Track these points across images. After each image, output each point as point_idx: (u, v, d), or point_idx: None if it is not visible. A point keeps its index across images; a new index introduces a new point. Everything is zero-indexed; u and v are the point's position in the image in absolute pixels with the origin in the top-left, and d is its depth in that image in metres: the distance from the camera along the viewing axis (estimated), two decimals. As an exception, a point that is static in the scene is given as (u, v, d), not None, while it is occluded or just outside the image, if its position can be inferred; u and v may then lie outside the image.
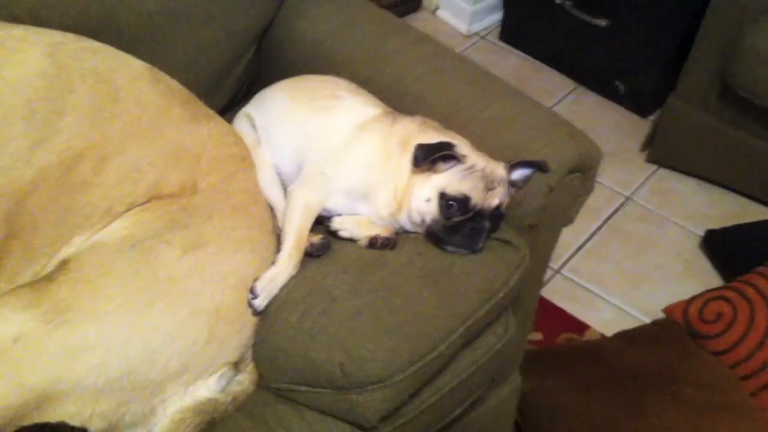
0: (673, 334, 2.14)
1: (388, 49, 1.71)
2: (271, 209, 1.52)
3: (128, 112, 1.41)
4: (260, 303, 1.37)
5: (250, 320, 1.39)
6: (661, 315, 2.42)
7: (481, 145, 1.51)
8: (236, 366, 1.39)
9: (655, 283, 2.59)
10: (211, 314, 1.34)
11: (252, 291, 1.37)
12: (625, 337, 2.17)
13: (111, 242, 1.32)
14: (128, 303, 1.28)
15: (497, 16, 3.53)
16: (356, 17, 1.77)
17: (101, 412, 1.23)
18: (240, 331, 1.38)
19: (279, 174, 1.56)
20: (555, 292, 2.53)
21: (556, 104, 3.23)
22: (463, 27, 3.51)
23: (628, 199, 2.88)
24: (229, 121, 1.63)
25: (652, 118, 3.19)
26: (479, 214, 1.42)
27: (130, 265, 1.31)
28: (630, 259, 2.67)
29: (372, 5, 1.82)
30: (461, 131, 1.54)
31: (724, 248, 2.59)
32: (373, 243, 1.45)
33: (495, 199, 1.43)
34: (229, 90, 1.83)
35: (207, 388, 1.32)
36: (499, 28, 3.52)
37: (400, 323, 1.31)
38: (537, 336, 2.35)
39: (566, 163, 1.49)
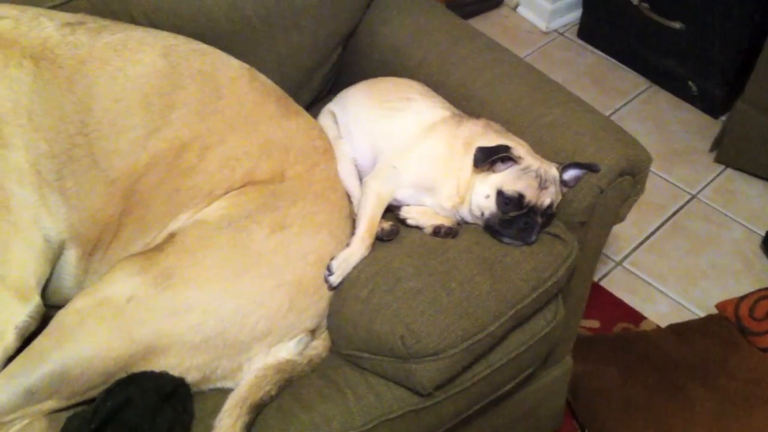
0: (722, 328, 2.25)
1: (458, 55, 1.87)
2: (349, 197, 1.71)
3: (229, 108, 1.62)
4: (335, 279, 1.57)
5: (326, 294, 1.58)
6: (714, 310, 2.54)
7: (538, 147, 1.67)
8: (312, 333, 1.59)
9: (713, 280, 2.68)
10: (293, 286, 1.54)
11: (328, 268, 1.57)
12: (675, 329, 2.29)
13: (211, 219, 1.53)
14: (224, 272, 1.48)
15: (576, 14, 3.64)
16: (432, 25, 1.94)
17: (197, 365, 1.45)
18: (317, 303, 1.58)
19: (357, 166, 1.75)
20: (615, 283, 2.66)
21: (629, 102, 3.32)
22: (542, 24, 3.63)
23: (693, 197, 2.96)
24: (315, 115, 1.84)
25: (723, 118, 3.26)
26: (533, 210, 1.58)
27: (226, 240, 1.51)
28: (690, 255, 2.76)
29: (448, 13, 1.98)
30: (521, 134, 1.70)
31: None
32: (437, 231, 1.63)
33: (547, 197, 1.59)
34: (315, 87, 2.03)
35: (287, 351, 1.52)
36: (577, 26, 3.62)
37: (455, 304, 1.48)
38: (595, 324, 2.48)
39: (616, 166, 1.63)
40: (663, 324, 2.47)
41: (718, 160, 3.07)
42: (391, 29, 1.96)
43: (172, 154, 1.55)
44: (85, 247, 1.52)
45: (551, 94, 1.77)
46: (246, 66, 1.71)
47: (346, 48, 2.04)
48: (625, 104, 3.31)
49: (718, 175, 3.04)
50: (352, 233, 1.62)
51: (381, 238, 1.62)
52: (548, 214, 1.61)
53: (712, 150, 3.12)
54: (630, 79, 3.43)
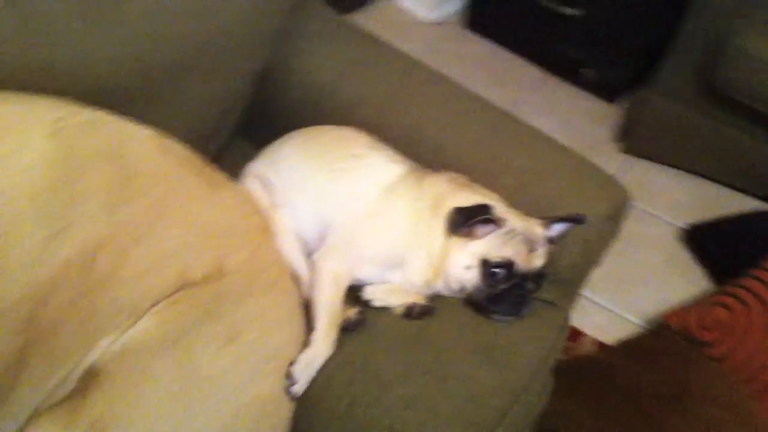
0: (676, 344, 2.15)
1: (400, 92, 1.62)
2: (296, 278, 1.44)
3: (144, 194, 1.30)
4: (299, 389, 1.30)
5: (289, 407, 1.32)
6: (651, 315, 2.45)
7: (512, 198, 1.46)
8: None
9: (641, 282, 2.59)
10: (254, 408, 1.26)
11: (289, 377, 1.30)
12: (629, 349, 2.18)
13: (143, 345, 1.23)
14: (169, 413, 1.19)
15: (459, 3, 3.45)
16: (360, 55, 1.67)
17: None
18: (282, 421, 1.31)
19: (299, 239, 1.47)
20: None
21: (525, 93, 3.18)
22: (425, 14, 3.42)
23: (606, 192, 2.86)
24: (234, 175, 1.54)
25: (618, 104, 3.19)
26: (523, 278, 1.37)
27: (166, 369, 1.22)
28: (614, 258, 2.64)
29: (376, 41, 1.72)
30: (490, 185, 1.48)
31: (708, 244, 2.61)
32: (410, 312, 1.39)
33: (538, 261, 1.38)
34: (223, 139, 1.72)
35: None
36: (462, 16, 3.44)
37: (457, 409, 1.26)
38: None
39: (601, 214, 1.46)
40: (603, 338, 2.35)
41: (626, 150, 2.99)
42: (310, 63, 1.68)
43: (81, 264, 1.22)
44: (-20, 397, 1.18)
45: (514, 133, 1.56)
46: (151, 131, 1.38)
47: (257, 87, 1.74)
48: (521, 96, 3.17)
49: (626, 166, 2.95)
50: (309, 324, 1.35)
51: (347, 328, 1.36)
52: (539, 278, 1.40)
53: (616, 139, 3.05)
54: (524, 69, 3.30)
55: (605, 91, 3.16)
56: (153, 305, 1.26)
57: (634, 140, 2.91)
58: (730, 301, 2.16)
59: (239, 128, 1.78)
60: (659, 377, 2.05)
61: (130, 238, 1.26)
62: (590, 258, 1.51)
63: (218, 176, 1.45)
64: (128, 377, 1.19)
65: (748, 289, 2.18)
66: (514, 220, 1.39)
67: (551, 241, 1.43)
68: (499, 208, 1.39)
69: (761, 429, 1.93)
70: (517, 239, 1.36)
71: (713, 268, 2.58)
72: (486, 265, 1.36)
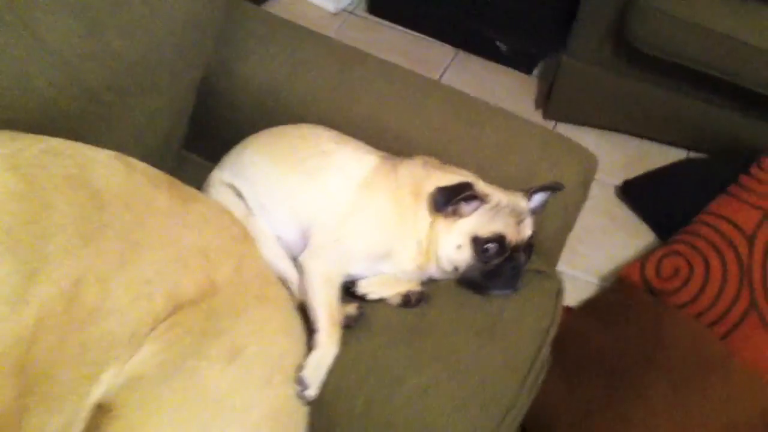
0: (637, 297, 2.20)
1: (352, 84, 1.59)
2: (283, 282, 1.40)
3: (117, 218, 1.23)
4: (312, 393, 1.27)
5: (304, 414, 1.28)
6: (606, 273, 2.50)
7: (485, 175, 1.46)
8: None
9: (590, 243, 2.64)
10: (268, 422, 1.23)
11: (300, 382, 1.26)
12: (592, 310, 2.21)
13: (148, 374, 1.17)
14: (187, 438, 1.14)
15: (361, -10, 3.43)
16: (305, 52, 1.63)
17: None
18: (297, 429, 1.27)
19: (281, 243, 1.43)
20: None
21: (442, 74, 3.19)
22: (329, 5, 3.37)
23: (538, 160, 2.90)
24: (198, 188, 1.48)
25: (536, 73, 3.23)
26: (514, 250, 1.37)
27: (176, 396, 1.17)
28: (559, 222, 2.70)
29: (319, 35, 1.68)
30: (460, 164, 1.47)
31: (644, 198, 2.68)
32: (407, 301, 1.37)
33: (527, 231, 1.38)
34: (176, 149, 1.65)
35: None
36: (366, 3, 3.42)
37: (473, 392, 1.25)
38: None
39: (576, 180, 1.47)
40: (566, 302, 2.38)
41: (547, 116, 3.03)
42: (256, 65, 1.63)
43: (64, 300, 1.14)
44: (-20, 456, 1.09)
45: (474, 111, 1.55)
46: (113, 153, 1.31)
47: (200, 96, 1.67)
48: (439, 76, 3.17)
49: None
50: (308, 326, 1.32)
51: (348, 326, 1.33)
52: (528, 249, 1.40)
53: (537, 108, 3.09)
54: (436, 50, 3.29)
55: (522, 62, 3.20)
56: (149, 331, 1.20)
57: (556, 106, 2.96)
58: (683, 248, 2.22)
59: (186, 142, 1.72)
60: (628, 332, 2.08)
61: (110, 267, 1.19)
62: (568, 224, 1.52)
63: (188, 190, 1.39)
64: (140, 408, 1.14)
65: (698, 235, 2.24)
66: (497, 194, 1.38)
67: (533, 212, 1.43)
68: (480, 185, 1.38)
69: (734, 367, 1.98)
70: (504, 212, 1.36)
71: (653, 219, 2.66)
72: (477, 241, 1.35)
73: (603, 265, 2.55)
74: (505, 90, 3.15)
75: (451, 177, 1.39)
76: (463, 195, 1.33)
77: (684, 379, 1.95)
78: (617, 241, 2.62)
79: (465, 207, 1.35)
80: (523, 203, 1.40)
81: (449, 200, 1.33)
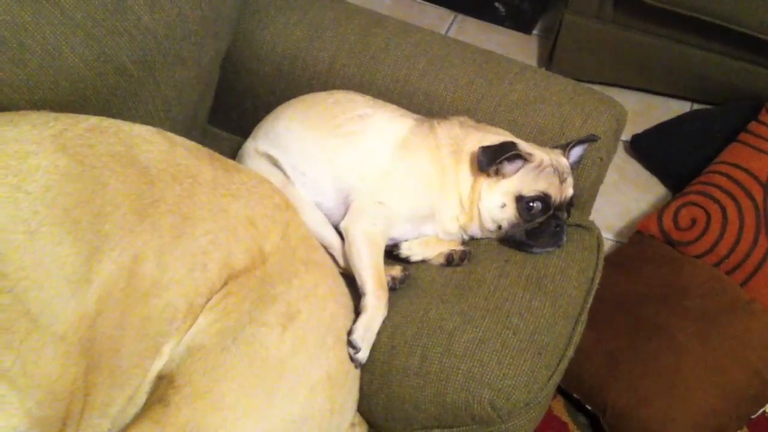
0: (656, 249, 2.21)
1: (376, 47, 1.58)
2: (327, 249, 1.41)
3: (168, 192, 1.23)
4: (364, 355, 1.29)
5: (356, 375, 1.31)
6: (621, 228, 2.52)
7: (517, 131, 1.46)
8: (353, 426, 1.31)
9: (600, 198, 2.61)
10: (325, 383, 1.25)
11: (352, 345, 1.28)
12: (613, 262, 2.21)
13: (209, 342, 1.18)
14: (252, 404, 1.16)
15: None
16: (325, 17, 1.62)
17: None
18: (351, 391, 1.30)
19: (321, 210, 1.43)
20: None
21: (442, 38, 3.17)
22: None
23: (543, 119, 2.90)
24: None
25: (536, 33, 3.22)
26: (557, 208, 1.38)
27: (238, 361, 1.18)
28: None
29: (336, 0, 1.66)
30: (492, 121, 1.47)
31: (653, 151, 2.69)
32: (450, 260, 1.38)
33: (569, 189, 1.39)
34: (201, 123, 1.65)
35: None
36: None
37: (527, 341, 1.26)
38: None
39: (608, 131, 1.47)
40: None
41: (552, 74, 3.02)
42: (276, 33, 1.62)
43: (124, 276, 1.15)
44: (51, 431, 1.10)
45: (500, 68, 1.55)
46: (152, 128, 1.31)
47: (223, 66, 1.66)
48: (439, 41, 3.16)
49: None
50: (355, 290, 1.32)
51: (393, 288, 1.34)
52: (569, 207, 1.41)
53: (540, 65, 3.08)
54: (435, 14, 3.28)
55: (521, 22, 3.19)
56: (205, 302, 1.21)
57: (557, 64, 2.95)
58: (699, 198, 2.24)
59: (209, 116, 1.71)
60: (648, 283, 2.10)
61: (166, 241, 1.20)
62: (601, 176, 1.53)
63: (228, 161, 1.39)
64: (205, 376, 1.16)
65: (713, 185, 2.25)
66: (539, 153, 1.38)
67: (572, 167, 1.44)
68: (522, 144, 1.39)
69: (755, 309, 2.01)
70: (547, 171, 1.37)
71: (663, 173, 2.67)
72: (521, 200, 1.36)
73: (616, 220, 2.57)
74: (507, 51, 3.12)
75: (491, 137, 1.39)
76: (507, 154, 1.34)
77: (708, 322, 1.97)
78: (631, 197, 2.64)
79: (508, 166, 1.36)
80: (564, 161, 1.41)
81: (494, 160, 1.34)
